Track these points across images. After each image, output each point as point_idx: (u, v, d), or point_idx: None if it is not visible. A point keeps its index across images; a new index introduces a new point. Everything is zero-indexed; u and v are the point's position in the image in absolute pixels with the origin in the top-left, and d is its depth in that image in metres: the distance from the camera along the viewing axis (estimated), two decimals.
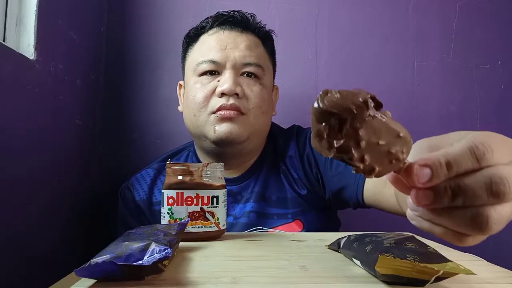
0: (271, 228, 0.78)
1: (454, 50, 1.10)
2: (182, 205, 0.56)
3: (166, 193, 0.57)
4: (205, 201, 0.57)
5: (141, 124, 1.06)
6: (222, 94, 0.75)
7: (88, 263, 0.34)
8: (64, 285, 0.37)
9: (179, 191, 0.57)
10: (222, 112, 0.74)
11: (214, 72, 0.78)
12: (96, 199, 0.98)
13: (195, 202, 0.57)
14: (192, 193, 0.57)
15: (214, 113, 0.75)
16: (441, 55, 1.10)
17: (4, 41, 0.66)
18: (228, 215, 0.79)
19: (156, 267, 0.36)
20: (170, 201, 0.57)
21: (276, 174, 0.83)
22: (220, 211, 0.58)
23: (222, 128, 0.75)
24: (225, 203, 0.60)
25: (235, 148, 0.78)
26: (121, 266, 0.34)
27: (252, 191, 0.81)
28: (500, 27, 1.11)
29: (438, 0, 1.11)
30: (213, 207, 0.58)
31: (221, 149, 0.78)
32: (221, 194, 0.59)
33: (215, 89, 0.76)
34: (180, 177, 0.58)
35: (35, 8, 0.68)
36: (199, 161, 0.85)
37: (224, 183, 0.60)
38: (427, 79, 1.10)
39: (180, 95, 0.88)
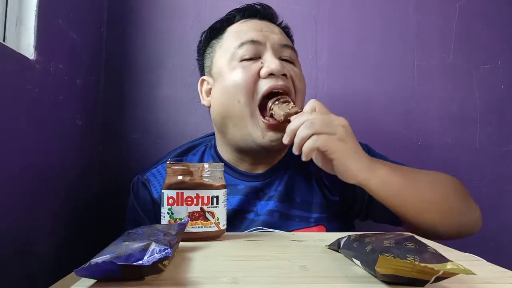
0: (291, 231, 0.75)
1: (454, 50, 1.10)
2: (182, 205, 0.57)
3: (166, 193, 0.57)
4: (205, 201, 0.57)
5: (141, 124, 1.06)
6: (269, 75, 0.73)
7: (88, 263, 0.34)
8: (64, 285, 0.37)
9: (179, 191, 0.57)
10: (270, 120, 0.73)
11: (253, 59, 0.75)
12: (96, 199, 0.98)
13: (195, 202, 0.57)
14: (192, 193, 0.57)
15: (265, 96, 0.73)
16: (441, 55, 1.10)
17: (4, 41, 0.66)
18: (249, 211, 0.77)
19: (156, 267, 0.36)
20: (170, 201, 0.57)
21: (305, 175, 0.80)
22: (220, 211, 0.58)
23: (272, 137, 0.73)
24: (225, 203, 0.60)
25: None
26: (121, 266, 0.34)
27: (276, 189, 0.78)
28: (500, 27, 1.11)
29: (438, 0, 1.11)
30: (213, 207, 0.58)
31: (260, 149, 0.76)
32: (221, 194, 0.59)
33: (258, 72, 0.74)
34: (180, 177, 0.58)
35: (35, 8, 0.68)
36: (218, 156, 0.82)
37: (224, 183, 0.60)
38: (427, 79, 1.10)
39: (201, 92, 0.84)
